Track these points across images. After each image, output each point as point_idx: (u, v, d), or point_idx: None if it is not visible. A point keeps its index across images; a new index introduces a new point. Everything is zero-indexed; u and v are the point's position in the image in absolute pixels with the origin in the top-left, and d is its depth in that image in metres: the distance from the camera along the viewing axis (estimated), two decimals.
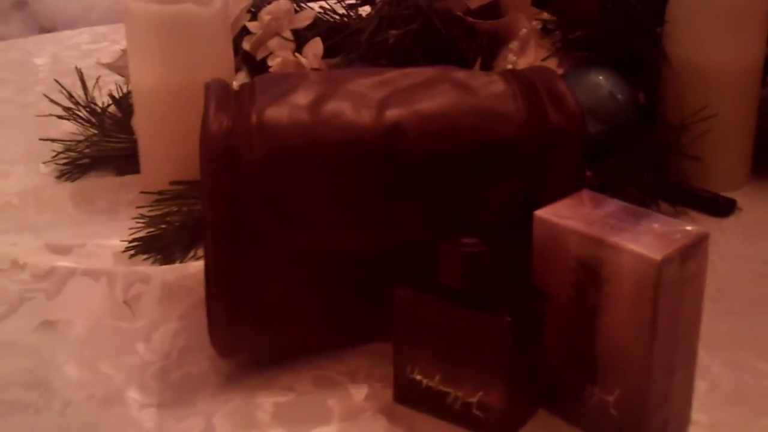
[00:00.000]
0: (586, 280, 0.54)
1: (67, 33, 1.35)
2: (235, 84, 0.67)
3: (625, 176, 0.78)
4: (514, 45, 0.86)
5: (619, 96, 0.81)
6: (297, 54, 0.91)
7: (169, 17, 0.78)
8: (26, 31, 1.77)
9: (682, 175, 0.82)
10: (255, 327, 0.60)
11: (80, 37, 1.31)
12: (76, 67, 0.96)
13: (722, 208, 0.80)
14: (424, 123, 0.59)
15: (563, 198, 0.57)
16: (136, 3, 0.79)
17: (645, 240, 0.53)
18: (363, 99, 0.60)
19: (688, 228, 0.54)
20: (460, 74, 0.63)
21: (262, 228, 0.59)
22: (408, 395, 0.59)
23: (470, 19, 0.86)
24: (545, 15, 0.86)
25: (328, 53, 0.90)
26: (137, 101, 0.84)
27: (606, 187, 0.75)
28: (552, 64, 0.83)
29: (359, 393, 0.60)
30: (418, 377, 0.58)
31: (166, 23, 0.79)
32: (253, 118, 0.59)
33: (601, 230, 0.54)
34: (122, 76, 0.96)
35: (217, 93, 0.61)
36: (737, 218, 0.80)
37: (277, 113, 0.59)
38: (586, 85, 0.80)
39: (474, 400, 0.56)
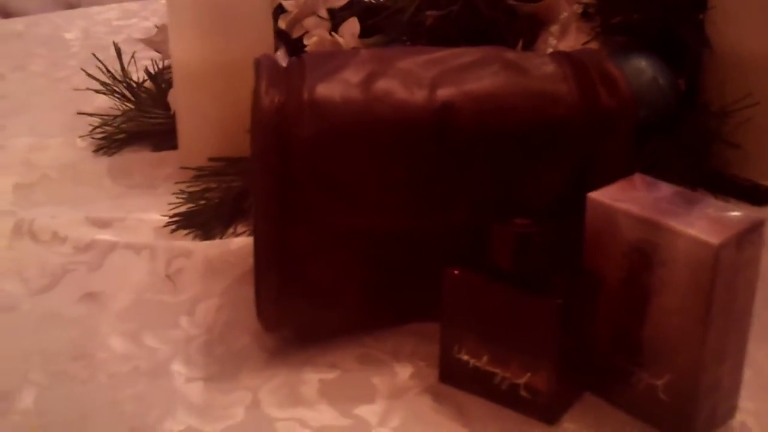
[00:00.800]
0: (639, 264, 0.54)
1: (96, 8, 1.35)
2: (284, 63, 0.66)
3: (665, 163, 0.77)
4: (554, 28, 0.85)
5: (662, 81, 0.80)
6: (333, 33, 0.90)
7: None
8: (51, 6, 1.76)
9: (723, 163, 0.81)
10: (302, 302, 0.60)
11: (109, 13, 1.31)
12: (114, 42, 0.96)
13: (763, 197, 0.79)
14: (475, 103, 0.59)
15: (615, 181, 0.57)
16: None
17: (701, 224, 0.52)
18: (414, 78, 0.60)
19: (744, 214, 0.54)
20: (511, 55, 0.63)
21: (312, 205, 0.59)
22: (454, 375, 0.58)
23: (511, 1, 0.86)
24: None
25: (364, 33, 0.90)
26: (177, 77, 0.83)
27: (646, 173, 0.74)
28: (593, 48, 0.82)
29: (404, 372, 0.60)
30: (465, 357, 0.58)
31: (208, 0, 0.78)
32: (305, 95, 0.58)
33: (655, 214, 0.53)
34: (158, 52, 0.96)
35: (269, 69, 0.60)
36: None
37: (329, 90, 0.59)
38: (629, 70, 0.79)
39: (521, 381, 0.56)
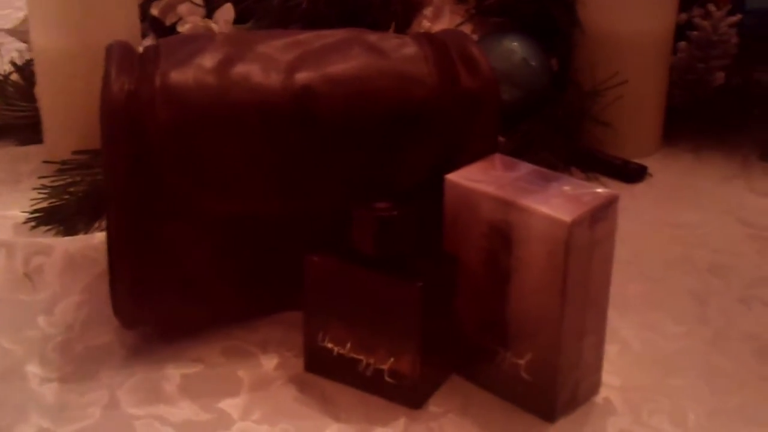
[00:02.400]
0: (498, 244, 0.54)
1: None
2: (140, 49, 0.64)
3: (538, 142, 0.78)
4: (428, 11, 0.85)
5: (533, 62, 0.81)
6: (207, 20, 0.88)
7: None
8: None
9: (594, 142, 0.82)
10: (161, 296, 0.59)
11: None
12: None
13: (633, 173, 0.81)
14: (335, 86, 0.58)
15: (476, 161, 0.57)
16: None
17: (555, 202, 0.52)
18: (272, 61, 0.59)
19: (598, 190, 0.54)
20: (372, 37, 0.62)
21: (169, 194, 0.57)
22: (319, 364, 0.58)
23: None
24: None
25: (239, 19, 0.88)
26: (39, 67, 0.81)
27: (520, 152, 0.75)
28: (466, 30, 0.82)
29: (270, 363, 0.59)
30: (329, 345, 0.57)
31: None
32: (157, 81, 0.57)
33: (511, 193, 0.53)
34: (25, 42, 0.92)
35: (120, 55, 0.59)
36: (648, 183, 0.81)
37: (183, 76, 0.57)
38: (500, 51, 0.80)
39: (385, 366, 0.56)
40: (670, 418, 0.56)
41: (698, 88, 0.85)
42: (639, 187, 0.80)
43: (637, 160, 0.82)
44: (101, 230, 0.70)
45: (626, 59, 0.81)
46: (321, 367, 0.58)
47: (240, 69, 0.58)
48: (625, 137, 0.82)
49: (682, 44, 0.83)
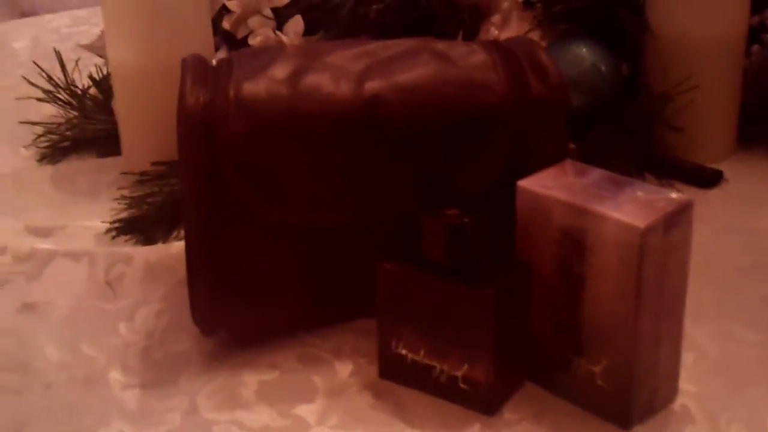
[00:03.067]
0: (570, 251, 0.54)
1: (48, 17, 1.33)
2: (214, 62, 0.66)
3: (609, 148, 0.77)
4: (496, 18, 0.85)
5: (603, 67, 0.80)
6: (278, 32, 0.89)
7: None
8: (6, 16, 1.75)
9: (668, 147, 0.81)
10: (238, 303, 0.60)
11: (60, 20, 1.30)
12: (55, 49, 0.95)
13: (708, 179, 0.79)
14: (403, 94, 0.59)
15: (547, 167, 0.57)
16: None
17: (628, 208, 0.52)
18: (342, 71, 0.60)
19: (672, 196, 0.54)
20: (440, 45, 0.62)
21: (243, 203, 0.58)
22: (393, 370, 0.58)
23: None
24: None
25: (309, 30, 0.89)
26: (116, 81, 0.83)
27: (591, 159, 0.74)
28: (535, 37, 0.82)
29: (344, 369, 0.60)
30: (403, 352, 0.57)
31: (143, 1, 0.78)
32: (231, 92, 0.58)
33: (583, 199, 0.53)
34: (102, 57, 0.95)
35: (194, 67, 0.60)
36: (723, 189, 0.79)
37: (255, 87, 0.58)
38: (569, 57, 0.80)
39: (460, 373, 0.56)
40: (749, 426, 0.55)
41: None
42: (714, 193, 0.79)
43: (711, 166, 0.81)
44: (179, 239, 0.72)
45: (698, 63, 0.80)
46: (395, 374, 0.58)
47: (311, 79, 0.59)
48: (699, 142, 0.81)
49: (755, 47, 0.82)
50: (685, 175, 0.80)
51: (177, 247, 0.69)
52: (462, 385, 0.56)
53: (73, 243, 0.72)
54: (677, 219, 0.52)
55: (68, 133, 0.88)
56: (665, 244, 0.52)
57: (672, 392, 0.57)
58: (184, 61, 0.61)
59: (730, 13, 0.80)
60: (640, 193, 0.54)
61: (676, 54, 0.80)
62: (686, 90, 0.79)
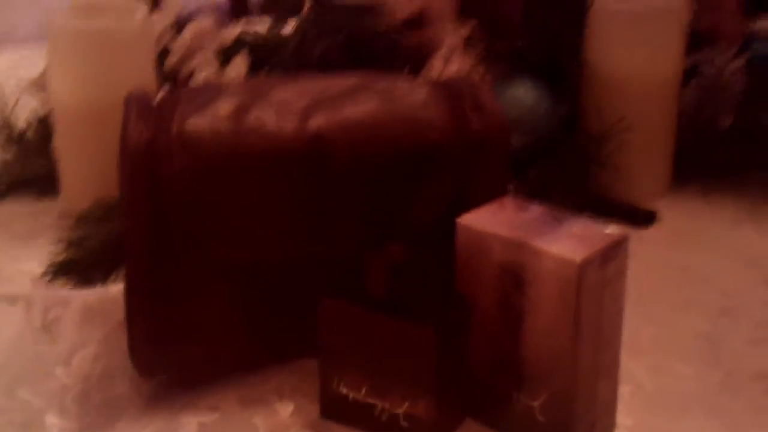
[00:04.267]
0: (510, 285, 0.55)
1: None
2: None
3: (548, 187, 0.79)
4: (439, 56, 0.87)
5: (543, 106, 0.82)
6: (221, 73, 0.90)
7: (90, 33, 0.77)
8: None
9: (603, 186, 0.83)
10: (178, 345, 0.60)
11: (1, 56, 1.28)
12: None
13: (642, 219, 0.81)
14: (347, 131, 0.59)
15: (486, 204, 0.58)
16: (58, 18, 0.78)
17: (565, 243, 0.53)
18: (286, 107, 0.60)
19: (608, 231, 0.55)
20: (384, 82, 0.63)
21: (185, 241, 0.58)
22: (335, 409, 0.58)
23: (393, 35, 0.87)
24: (468, 27, 0.87)
25: (253, 68, 0.90)
26: (58, 120, 0.82)
27: (529, 197, 0.76)
28: (477, 74, 0.84)
29: (285, 410, 0.60)
30: (345, 390, 0.57)
31: (87, 39, 0.78)
32: (174, 129, 0.58)
33: (522, 234, 0.54)
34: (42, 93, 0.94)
35: (138, 103, 0.60)
36: (658, 227, 0.81)
37: (199, 123, 0.59)
38: (510, 98, 0.81)
39: (401, 411, 0.56)
40: None
41: (706, 131, 0.85)
42: (648, 231, 0.81)
43: (646, 203, 0.82)
44: (118, 282, 0.71)
45: (633, 103, 0.82)
46: (337, 413, 0.58)
47: (255, 115, 0.59)
48: (634, 181, 0.83)
49: (690, 87, 0.84)
50: (620, 215, 0.81)
51: (115, 289, 0.68)
52: (404, 423, 0.56)
53: (9, 287, 0.71)
54: (613, 253, 0.54)
55: (4, 175, 0.87)
56: (602, 277, 0.53)
57: (610, 426, 0.58)
58: (128, 97, 0.61)
59: (665, 52, 0.83)
60: (577, 228, 0.55)
61: (611, 94, 0.82)
62: (621, 130, 0.81)
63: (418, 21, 0.88)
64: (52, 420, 0.59)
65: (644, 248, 0.77)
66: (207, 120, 0.59)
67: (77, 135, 0.80)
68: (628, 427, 0.58)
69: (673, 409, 0.60)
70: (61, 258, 0.74)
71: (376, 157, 0.59)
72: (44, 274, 0.72)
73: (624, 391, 0.59)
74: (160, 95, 0.63)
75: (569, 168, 0.81)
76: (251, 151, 0.58)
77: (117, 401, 0.61)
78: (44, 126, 0.91)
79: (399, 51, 0.87)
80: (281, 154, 0.58)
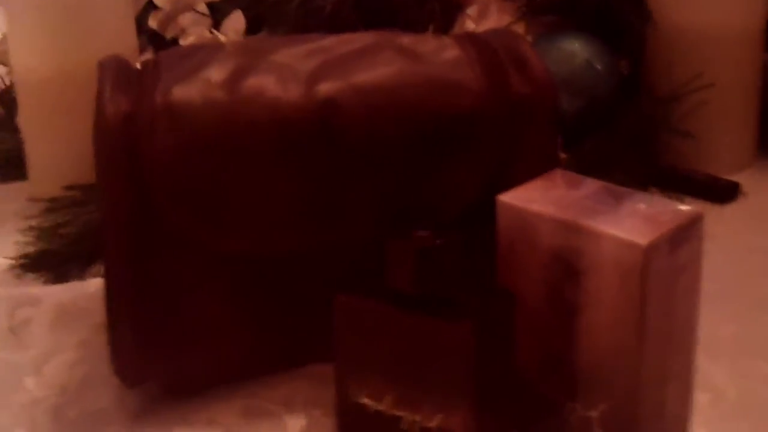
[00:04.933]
0: (561, 275, 0.55)
1: None
2: (138, 64, 0.66)
3: (607, 159, 0.79)
4: (472, 10, 0.87)
5: (598, 65, 0.82)
6: (214, 30, 0.91)
7: None
8: None
9: (675, 157, 0.83)
10: (169, 350, 0.60)
11: None
12: None
13: (723, 192, 0.81)
14: (363, 97, 0.59)
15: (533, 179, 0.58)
16: None
17: (628, 223, 0.53)
18: (290, 72, 0.60)
19: (680, 208, 0.55)
20: (406, 39, 0.63)
21: (175, 230, 0.59)
22: (354, 423, 0.58)
23: None
24: None
25: (251, 28, 0.90)
26: (21, 94, 0.83)
27: (586, 172, 0.76)
28: (518, 29, 0.84)
29: (296, 424, 0.60)
30: (366, 401, 0.58)
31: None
32: (158, 99, 0.58)
33: (575, 214, 0.54)
34: (4, 64, 0.95)
35: (114, 71, 0.60)
36: (740, 204, 0.81)
37: (187, 92, 0.59)
38: (559, 54, 0.81)
39: (433, 424, 0.56)
40: None
41: None
42: (730, 209, 0.81)
43: (727, 176, 0.82)
44: (97, 276, 0.72)
45: (710, 58, 0.82)
46: (357, 427, 0.58)
47: (253, 82, 0.60)
48: (712, 150, 0.83)
49: None
50: (696, 189, 0.81)
51: (94, 285, 0.70)
52: None
53: None
54: (685, 235, 0.54)
55: None
56: (672, 264, 0.53)
57: None
58: (101, 64, 0.62)
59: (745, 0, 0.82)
60: (641, 206, 0.55)
61: (683, 48, 0.82)
62: (697, 89, 0.81)
63: None
64: None
65: (724, 229, 0.77)
66: (197, 88, 0.59)
67: (45, 110, 0.81)
68: None
69: (761, 419, 0.60)
70: (30, 249, 0.75)
71: (398, 128, 0.60)
72: (11, 268, 0.73)
73: (700, 399, 0.59)
74: (142, 60, 0.63)
75: (633, 136, 0.81)
76: (250, 124, 0.58)
77: (97, 416, 0.61)
78: (7, 98, 0.92)
79: (423, 4, 0.87)
80: (286, 126, 0.59)
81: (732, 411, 0.61)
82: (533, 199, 0.56)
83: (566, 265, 0.54)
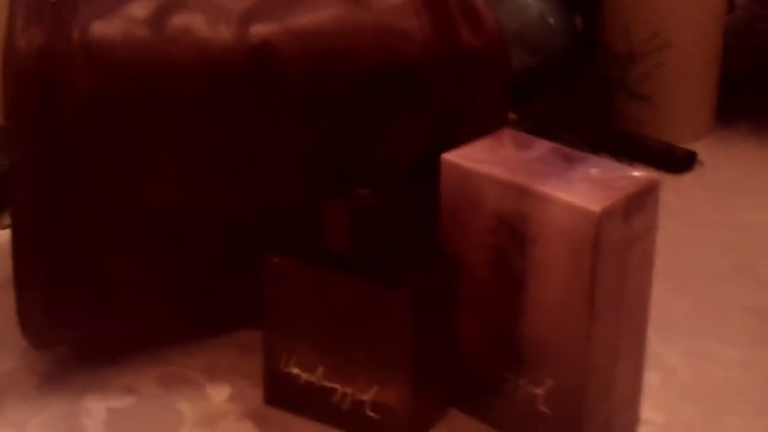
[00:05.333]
0: (508, 242, 0.54)
1: None
2: None
3: (558, 121, 0.79)
4: None
5: (552, 20, 0.82)
6: None
7: None
8: None
9: (631, 121, 0.83)
10: (81, 310, 0.59)
11: None
12: None
13: (679, 161, 0.82)
14: (301, 42, 0.59)
15: (480, 138, 0.57)
16: None
17: (580, 188, 0.53)
18: (221, 11, 0.60)
19: (635, 174, 0.55)
20: None
21: (91, 180, 0.58)
22: (282, 394, 0.58)
23: None
24: None
25: None
26: None
27: (534, 133, 0.76)
28: None
29: (219, 394, 0.60)
30: (295, 371, 0.57)
31: None
32: (76, 34, 0.57)
33: (525, 177, 0.54)
34: None
35: (27, 1, 0.59)
36: (698, 174, 0.82)
37: (108, 28, 0.58)
38: (511, 6, 0.81)
39: (367, 398, 0.56)
40: None
41: (760, 54, 0.86)
42: (686, 179, 0.81)
43: (684, 144, 0.83)
44: (3, 228, 0.71)
45: (670, 17, 0.82)
46: (285, 399, 0.58)
47: (181, 20, 0.59)
48: (669, 116, 0.83)
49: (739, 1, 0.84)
50: (650, 157, 0.82)
51: (0, 237, 0.68)
52: (370, 413, 0.56)
53: None
54: (641, 203, 0.54)
55: None
56: (626, 233, 0.53)
57: (632, 421, 0.58)
58: None
59: None
60: (595, 171, 0.55)
61: (641, 5, 0.82)
62: (654, 50, 0.81)
63: None
64: None
65: (680, 200, 0.78)
66: (119, 24, 0.58)
67: None
68: (657, 424, 0.58)
69: (715, 401, 0.60)
70: None
71: (336, 76, 0.59)
72: None
73: (652, 378, 0.60)
74: None
75: (587, 97, 0.81)
76: (176, 65, 0.58)
77: (1, 380, 0.60)
78: None
79: None
80: (214, 68, 0.58)
81: (684, 392, 0.61)
82: (480, 159, 0.56)
83: (513, 232, 0.54)
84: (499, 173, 0.54)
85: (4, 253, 0.66)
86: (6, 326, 0.63)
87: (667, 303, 0.66)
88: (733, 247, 0.74)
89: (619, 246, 0.53)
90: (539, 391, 0.55)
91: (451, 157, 0.56)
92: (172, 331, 0.63)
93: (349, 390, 0.56)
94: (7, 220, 0.71)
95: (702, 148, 0.84)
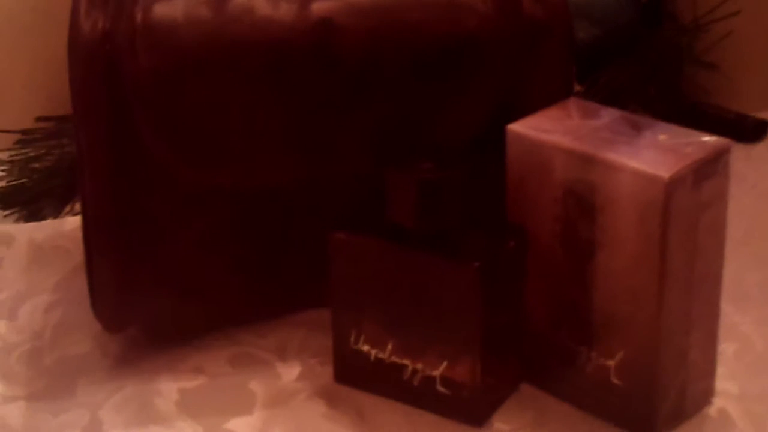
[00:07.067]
0: (576, 212, 0.54)
1: None
2: None
3: (626, 92, 0.78)
4: None
5: None
6: None
7: None
8: None
9: (699, 91, 0.82)
10: (152, 292, 0.60)
11: None
12: None
13: (750, 130, 0.81)
14: (362, 17, 0.59)
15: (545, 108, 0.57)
16: None
17: (648, 155, 0.53)
18: None
19: (704, 139, 0.54)
20: None
21: (158, 161, 0.58)
22: (353, 372, 0.58)
23: None
24: None
25: None
26: None
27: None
28: None
29: (290, 373, 0.60)
30: (365, 348, 0.58)
31: None
32: (138, 17, 0.58)
33: (591, 145, 0.54)
34: None
35: None
36: None
37: (170, 10, 0.58)
38: None
39: (437, 373, 0.56)
40: None
41: None
42: (758, 148, 0.80)
43: (756, 112, 0.82)
44: (75, 214, 0.72)
45: None
46: (355, 377, 0.58)
47: (240, 0, 0.59)
48: (739, 84, 0.82)
49: None
50: (720, 126, 0.80)
51: (71, 223, 0.70)
52: (440, 388, 0.56)
53: None
54: (711, 169, 0.53)
55: None
56: (696, 200, 0.53)
57: (706, 393, 0.57)
58: None
59: None
60: (663, 137, 0.54)
61: None
62: (723, 18, 0.80)
63: None
64: None
65: (751, 169, 0.76)
66: (180, 5, 0.58)
67: (10, 35, 0.80)
68: (732, 394, 0.58)
69: None
70: (1, 184, 0.74)
71: (399, 52, 0.59)
72: None
73: (726, 349, 0.59)
74: None
75: (654, 67, 0.80)
76: (238, 45, 0.58)
77: (76, 362, 0.61)
78: None
79: None
80: (277, 47, 0.58)
81: (760, 362, 0.60)
82: (546, 129, 0.55)
83: (581, 201, 0.54)
84: (565, 142, 0.54)
85: (76, 239, 0.66)
86: (79, 311, 0.63)
87: (741, 273, 0.65)
88: None
89: (689, 213, 0.53)
90: (611, 362, 0.55)
91: (516, 127, 0.56)
92: (242, 312, 0.63)
93: (419, 366, 0.57)
94: (76, 207, 0.72)
95: None
